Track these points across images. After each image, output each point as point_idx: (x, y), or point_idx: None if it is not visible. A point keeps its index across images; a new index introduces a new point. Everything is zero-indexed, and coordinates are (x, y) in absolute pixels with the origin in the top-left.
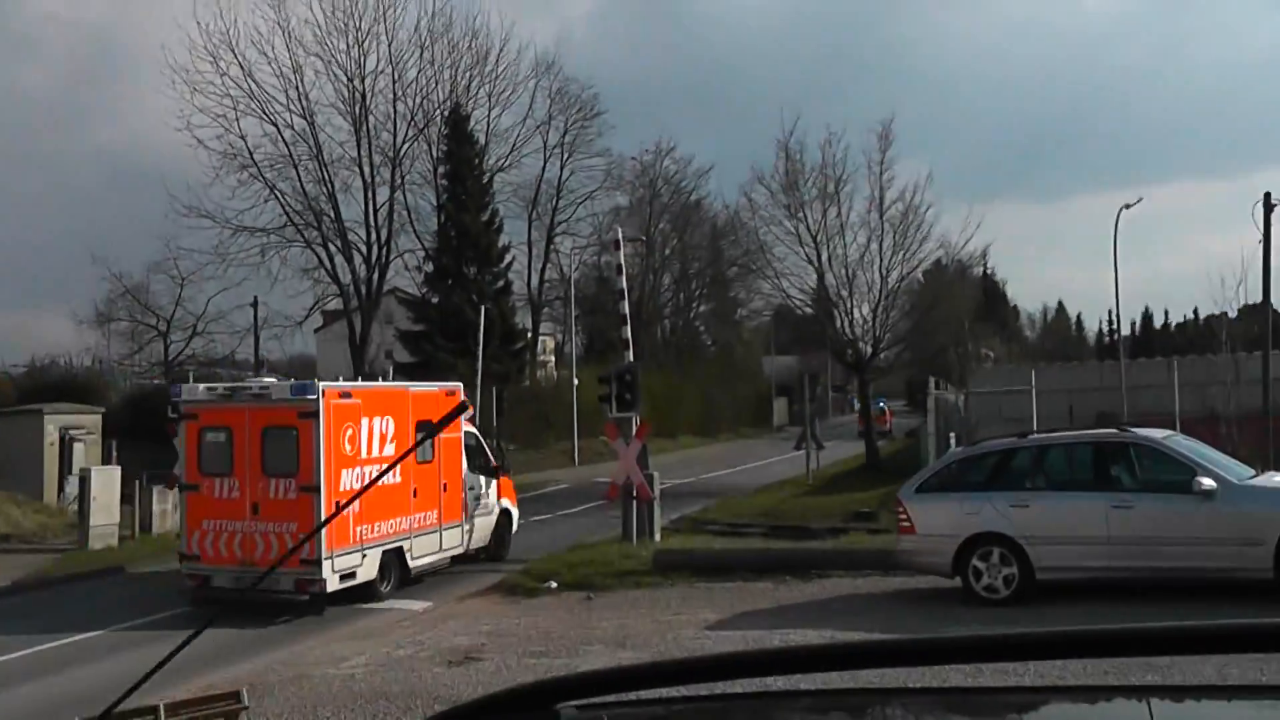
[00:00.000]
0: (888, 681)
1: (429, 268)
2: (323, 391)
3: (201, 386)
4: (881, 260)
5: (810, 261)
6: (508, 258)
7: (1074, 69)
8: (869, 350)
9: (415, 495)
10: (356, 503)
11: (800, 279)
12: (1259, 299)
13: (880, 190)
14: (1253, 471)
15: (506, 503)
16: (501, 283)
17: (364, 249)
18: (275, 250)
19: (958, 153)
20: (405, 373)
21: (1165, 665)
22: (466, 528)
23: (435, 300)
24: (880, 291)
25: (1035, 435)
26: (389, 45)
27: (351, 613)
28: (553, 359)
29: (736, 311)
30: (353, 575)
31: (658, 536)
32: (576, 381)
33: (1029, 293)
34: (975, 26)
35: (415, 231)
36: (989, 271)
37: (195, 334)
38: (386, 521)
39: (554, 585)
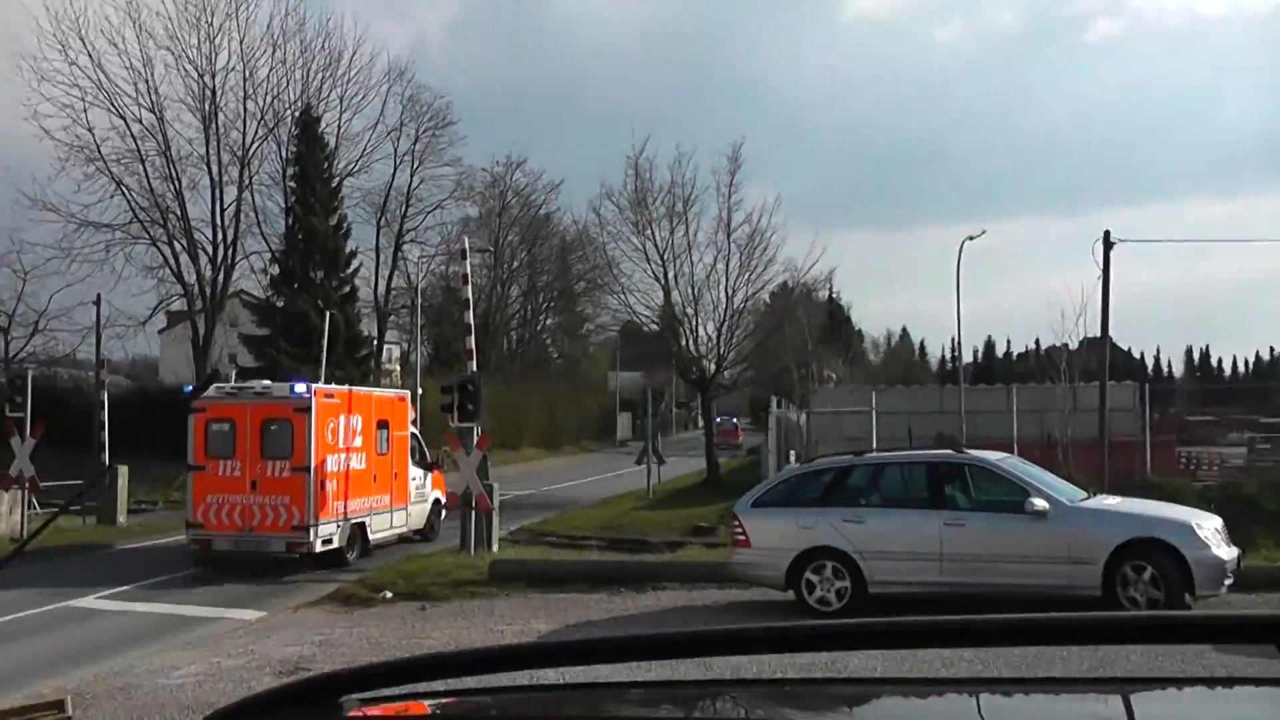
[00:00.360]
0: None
1: (275, 271)
2: (314, 391)
3: (212, 387)
4: (728, 280)
5: (657, 279)
6: (355, 264)
7: (922, 106)
8: (713, 368)
9: (375, 481)
10: (338, 481)
11: (647, 296)
12: (1098, 332)
13: (728, 211)
14: (1085, 494)
15: (437, 493)
16: (348, 289)
17: (210, 249)
18: (120, 247)
19: (806, 179)
20: (249, 378)
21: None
22: (411, 511)
23: (280, 304)
24: (725, 311)
25: (871, 454)
26: (240, 42)
27: (183, 622)
28: (398, 368)
29: (583, 326)
30: (330, 541)
31: (495, 547)
32: (420, 391)
33: (874, 318)
34: (828, 59)
35: (262, 233)
36: (834, 296)
37: (36, 331)
38: (354, 500)
39: (389, 595)
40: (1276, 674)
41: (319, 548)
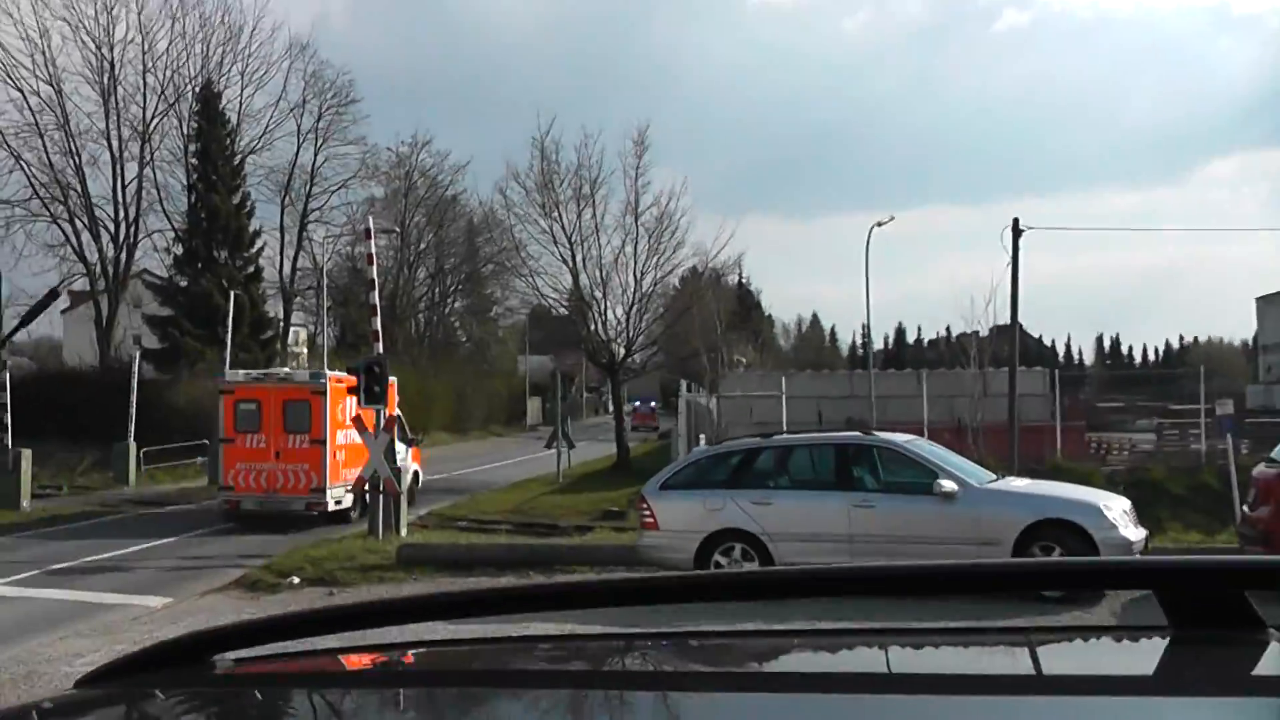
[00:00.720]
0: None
1: (178, 250)
2: (328, 377)
3: (240, 372)
4: (636, 263)
5: (565, 261)
6: (259, 243)
7: (830, 95)
8: (622, 352)
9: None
10: (345, 452)
11: (555, 279)
12: (1008, 319)
13: (635, 195)
14: (994, 476)
15: (415, 465)
16: (253, 269)
17: (111, 227)
18: (20, 224)
19: (714, 165)
20: (153, 360)
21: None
22: (402, 481)
23: (184, 284)
24: (634, 294)
25: (780, 436)
26: (139, 13)
27: (87, 609)
28: (304, 350)
29: (492, 309)
30: (340, 503)
31: (404, 532)
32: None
33: (784, 304)
34: (732, 47)
35: (165, 211)
36: (744, 281)
37: None
38: (354, 469)
39: (295, 581)
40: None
41: (331, 507)
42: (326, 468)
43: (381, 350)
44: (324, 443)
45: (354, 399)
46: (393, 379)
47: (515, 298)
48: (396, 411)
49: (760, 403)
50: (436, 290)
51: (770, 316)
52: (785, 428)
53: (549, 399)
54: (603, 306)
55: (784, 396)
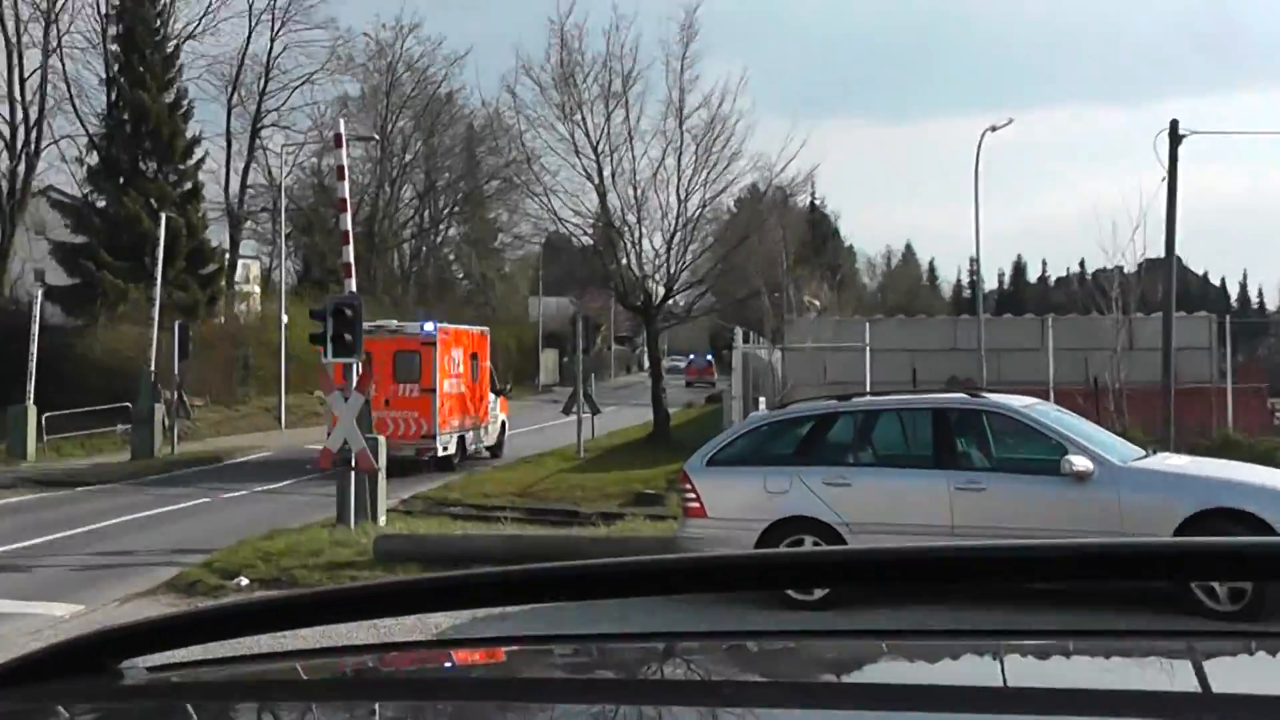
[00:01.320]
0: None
1: (93, 160)
2: (438, 329)
3: None
4: (680, 180)
5: (589, 177)
6: (198, 153)
7: None
8: (661, 292)
9: (470, 403)
10: (451, 402)
11: (576, 199)
12: (1160, 251)
13: (680, 93)
14: (1143, 452)
15: (504, 415)
16: (190, 185)
17: (7, 132)
18: None
19: (782, 56)
20: (60, 300)
21: None
22: (489, 430)
23: (101, 205)
24: (677, 219)
25: (862, 399)
26: None
27: None
28: (257, 289)
29: (496, 238)
30: (447, 449)
31: (382, 519)
32: (285, 319)
33: (869, 233)
34: None
35: (77, 112)
36: (817, 203)
37: None
38: (458, 418)
39: (244, 582)
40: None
41: (440, 453)
42: (436, 415)
43: (355, 289)
44: (433, 391)
45: (454, 350)
46: (483, 329)
47: (526, 224)
48: (488, 362)
49: (837, 357)
50: (426, 214)
51: (851, 248)
52: (869, 389)
53: (568, 352)
54: (637, 234)
55: (867, 349)
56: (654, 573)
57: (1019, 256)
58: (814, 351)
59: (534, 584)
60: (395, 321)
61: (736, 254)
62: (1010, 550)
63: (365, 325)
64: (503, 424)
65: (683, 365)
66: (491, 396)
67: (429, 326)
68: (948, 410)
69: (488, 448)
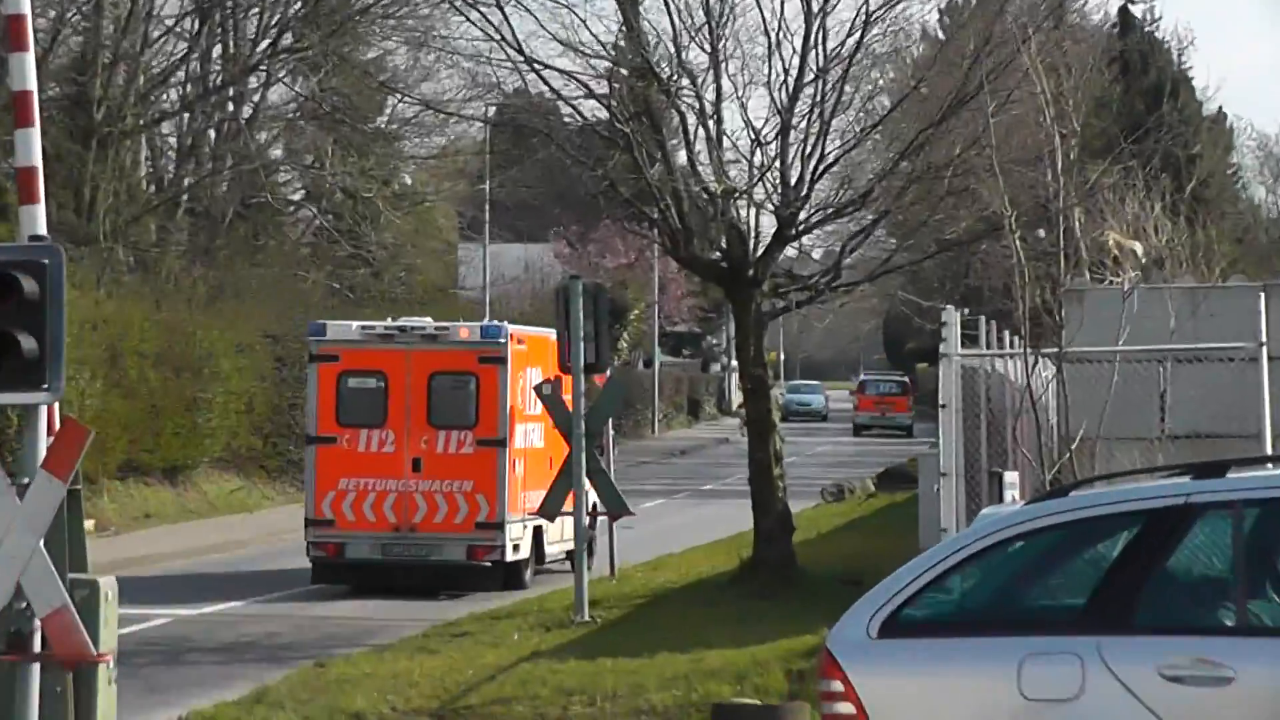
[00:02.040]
0: None
1: None
2: (510, 335)
3: (355, 325)
4: None
5: None
6: None
7: None
8: (771, 227)
9: (551, 465)
10: (525, 461)
11: (569, 15)
12: None
13: None
14: None
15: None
16: None
17: None
18: None
19: None
20: None
21: None
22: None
23: None
24: (804, 55)
25: (1253, 473)
26: None
27: None
28: None
29: (383, 109)
30: (518, 548)
31: None
32: None
33: (1264, 98)
34: None
35: None
36: (1137, 13)
37: None
38: (533, 492)
39: None
40: None
41: (511, 555)
42: (505, 486)
43: (45, 231)
44: (501, 444)
45: (529, 370)
46: (549, 333)
47: (451, 75)
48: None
49: (1189, 372)
50: (216, 54)
51: (1223, 118)
52: (1270, 447)
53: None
54: (713, 93)
55: (1263, 351)
56: None
57: None
58: (1135, 364)
59: None
60: (431, 320)
61: (944, 137)
62: None
63: (375, 325)
64: (593, 507)
65: (849, 392)
66: None
67: (493, 328)
68: None
69: (567, 552)
